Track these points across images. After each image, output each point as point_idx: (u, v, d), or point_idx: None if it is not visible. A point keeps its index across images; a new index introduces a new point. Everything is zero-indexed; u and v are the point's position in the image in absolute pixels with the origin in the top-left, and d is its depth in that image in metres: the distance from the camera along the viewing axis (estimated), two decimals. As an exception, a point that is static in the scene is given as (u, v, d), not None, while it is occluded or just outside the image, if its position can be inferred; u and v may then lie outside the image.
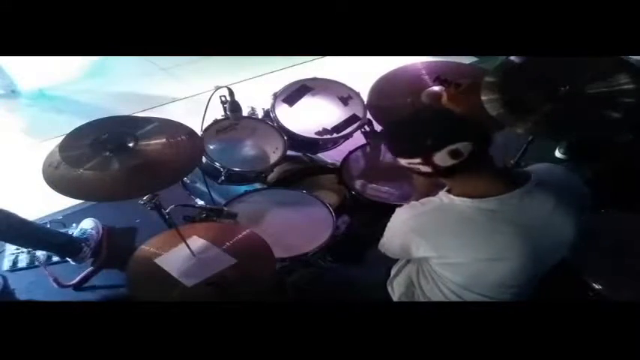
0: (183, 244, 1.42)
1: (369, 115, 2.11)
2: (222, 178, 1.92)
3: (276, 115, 2.09)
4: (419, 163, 1.08)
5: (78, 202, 2.23)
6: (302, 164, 2.34)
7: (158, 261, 1.42)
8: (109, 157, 1.33)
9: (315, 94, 2.21)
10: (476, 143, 1.03)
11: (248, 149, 2.04)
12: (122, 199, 1.39)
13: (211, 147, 1.97)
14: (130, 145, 1.38)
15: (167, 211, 1.44)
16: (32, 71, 3.37)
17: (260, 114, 2.18)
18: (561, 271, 1.14)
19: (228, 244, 1.47)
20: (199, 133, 1.88)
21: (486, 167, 1.08)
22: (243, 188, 2.01)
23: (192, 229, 1.54)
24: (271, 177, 2.10)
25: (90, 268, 2.09)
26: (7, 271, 2.10)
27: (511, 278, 1.08)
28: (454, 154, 1.02)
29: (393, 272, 1.40)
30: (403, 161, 1.13)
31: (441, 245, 1.06)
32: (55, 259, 2.12)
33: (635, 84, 1.53)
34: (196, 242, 1.47)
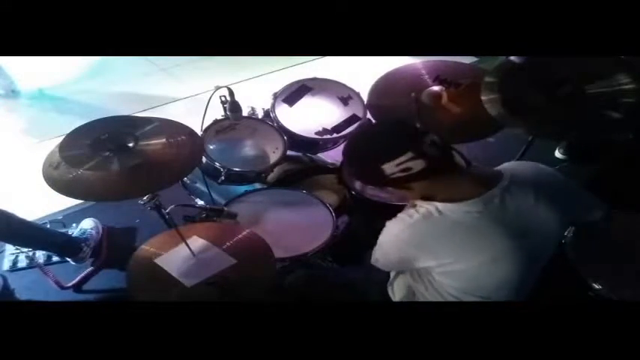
0: (183, 244, 1.42)
1: (369, 115, 2.11)
2: (222, 178, 1.92)
3: (276, 115, 2.09)
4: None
5: (78, 202, 2.23)
6: (302, 164, 2.34)
7: (158, 261, 1.42)
8: (109, 157, 1.33)
9: (315, 94, 2.21)
10: (425, 156, 1.02)
11: (248, 149, 2.04)
12: (122, 199, 1.39)
13: (211, 147, 1.97)
14: (130, 145, 1.38)
15: (167, 211, 1.44)
16: (32, 71, 3.37)
17: (260, 114, 2.18)
18: (561, 271, 1.14)
19: (228, 244, 1.47)
20: (199, 133, 1.88)
21: (456, 171, 1.07)
22: (243, 188, 2.02)
23: (192, 229, 1.54)
24: (271, 177, 2.09)
25: (90, 268, 2.09)
26: (7, 271, 2.10)
27: (508, 279, 1.08)
28: (404, 169, 1.03)
29: (392, 274, 1.40)
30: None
31: (439, 254, 1.06)
32: (55, 259, 2.13)
33: (635, 84, 1.53)
34: (196, 242, 1.48)
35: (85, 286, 2.05)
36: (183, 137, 1.45)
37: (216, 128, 2.02)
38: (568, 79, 1.58)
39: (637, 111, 1.50)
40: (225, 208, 1.65)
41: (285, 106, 2.16)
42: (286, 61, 3.55)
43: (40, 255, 2.12)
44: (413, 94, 1.87)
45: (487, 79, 1.66)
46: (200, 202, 2.08)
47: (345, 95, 2.21)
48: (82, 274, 2.06)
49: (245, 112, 2.12)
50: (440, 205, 1.05)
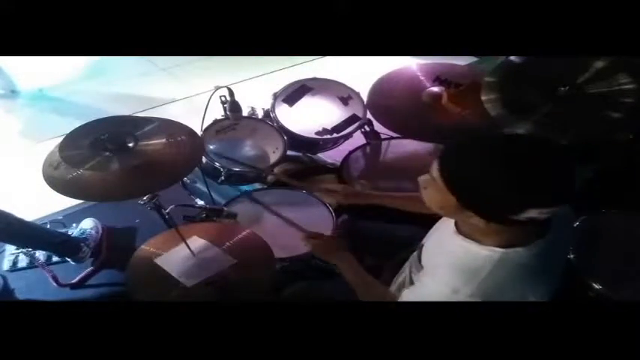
0: (183, 244, 1.42)
1: (369, 115, 2.11)
2: (222, 178, 1.92)
3: (276, 115, 2.09)
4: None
5: (78, 202, 2.23)
6: (302, 164, 2.34)
7: (158, 261, 1.42)
8: (109, 157, 1.33)
9: (315, 94, 2.21)
10: (558, 207, 0.88)
11: (248, 149, 2.04)
12: (122, 199, 1.39)
13: (211, 147, 1.97)
14: (130, 145, 1.37)
15: (167, 211, 1.44)
16: (32, 71, 3.37)
17: (260, 114, 2.18)
18: (561, 271, 1.14)
19: (228, 244, 1.48)
20: (199, 133, 1.88)
21: None
22: (243, 188, 2.02)
23: (192, 229, 1.54)
24: (271, 177, 2.10)
25: (90, 268, 2.09)
26: (7, 271, 2.10)
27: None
28: (532, 219, 0.86)
29: (395, 285, 1.31)
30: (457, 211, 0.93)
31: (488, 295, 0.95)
32: (56, 259, 2.12)
33: (635, 84, 1.53)
34: (196, 242, 1.48)
35: (85, 286, 2.05)
36: (183, 137, 1.45)
37: (216, 128, 2.02)
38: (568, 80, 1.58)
39: (637, 111, 1.50)
40: (225, 208, 1.65)
41: (285, 106, 2.16)
42: (286, 61, 3.56)
43: (40, 255, 2.12)
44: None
45: (487, 79, 1.66)
46: (200, 202, 2.08)
47: (345, 95, 2.21)
48: (82, 274, 2.06)
49: (245, 112, 2.12)
50: (505, 250, 0.93)
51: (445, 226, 1.09)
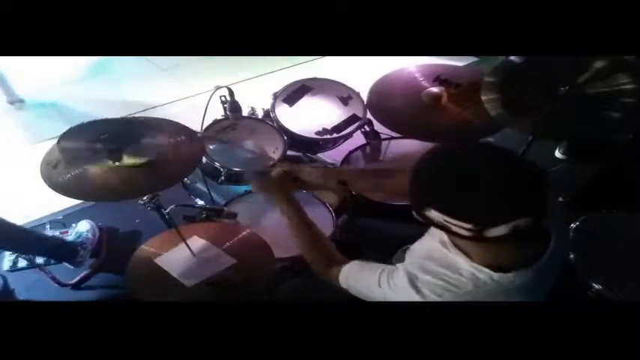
0: (183, 244, 1.42)
1: (369, 115, 2.11)
2: (222, 178, 1.92)
3: (276, 115, 2.09)
4: (458, 226, 0.85)
5: (78, 202, 2.23)
6: (302, 164, 2.33)
7: (158, 261, 1.42)
8: (108, 157, 1.33)
9: (315, 94, 2.21)
10: (537, 218, 0.84)
11: (248, 149, 2.04)
12: (122, 199, 1.39)
13: (211, 147, 1.97)
14: (131, 145, 1.38)
15: (167, 211, 1.44)
16: (32, 72, 3.37)
17: (260, 114, 2.18)
18: (562, 271, 1.14)
19: (228, 244, 1.48)
20: (199, 133, 1.88)
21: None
22: (243, 188, 2.01)
23: (192, 229, 1.54)
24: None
25: (90, 269, 2.09)
26: (7, 271, 2.10)
27: None
28: (513, 229, 0.82)
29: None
30: (434, 214, 0.87)
31: None
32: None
33: (635, 84, 1.53)
34: (196, 242, 1.48)
35: (85, 286, 2.05)
36: (183, 137, 1.45)
37: (216, 128, 2.01)
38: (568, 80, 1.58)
39: (637, 111, 1.50)
40: (225, 208, 1.65)
41: (285, 106, 2.16)
42: (286, 61, 3.56)
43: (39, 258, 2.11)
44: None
45: (487, 79, 1.66)
46: (200, 202, 2.08)
47: (345, 95, 2.21)
48: (82, 274, 2.06)
49: (245, 112, 2.12)
50: (495, 274, 0.90)
51: (440, 234, 1.01)
